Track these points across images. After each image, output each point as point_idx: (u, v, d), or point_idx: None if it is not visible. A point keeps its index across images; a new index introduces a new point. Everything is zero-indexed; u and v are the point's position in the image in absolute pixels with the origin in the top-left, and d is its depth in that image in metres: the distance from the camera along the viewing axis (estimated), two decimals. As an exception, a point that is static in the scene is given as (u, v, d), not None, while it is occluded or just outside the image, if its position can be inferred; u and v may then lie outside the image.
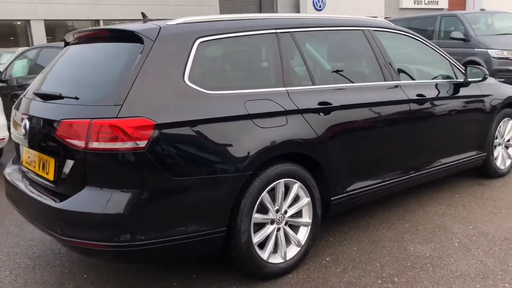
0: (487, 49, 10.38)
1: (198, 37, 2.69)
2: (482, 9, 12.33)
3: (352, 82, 3.36)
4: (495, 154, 4.61)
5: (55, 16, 17.24)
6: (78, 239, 2.42)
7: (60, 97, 2.64)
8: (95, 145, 2.35)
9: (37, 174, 2.83)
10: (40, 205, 2.60)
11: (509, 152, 4.82)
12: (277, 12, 22.84)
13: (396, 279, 2.84)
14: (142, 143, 2.34)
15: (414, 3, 27.47)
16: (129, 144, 2.33)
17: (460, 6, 36.00)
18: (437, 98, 3.83)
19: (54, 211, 2.48)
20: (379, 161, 3.45)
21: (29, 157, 2.93)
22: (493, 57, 10.19)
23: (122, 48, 2.71)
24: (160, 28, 2.63)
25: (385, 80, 3.53)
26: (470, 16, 11.47)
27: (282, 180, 2.82)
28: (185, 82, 2.55)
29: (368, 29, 3.60)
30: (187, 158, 2.48)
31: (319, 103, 3.01)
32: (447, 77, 4.12)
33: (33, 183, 2.87)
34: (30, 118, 2.77)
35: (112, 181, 2.39)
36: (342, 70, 3.42)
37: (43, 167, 2.73)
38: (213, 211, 2.57)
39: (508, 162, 4.80)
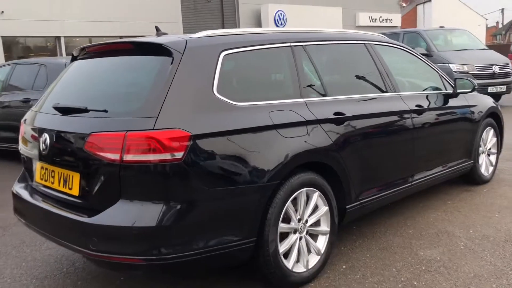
0: (448, 63, 10.91)
1: (223, 50, 2.73)
2: (441, 26, 12.95)
3: (360, 93, 3.48)
4: (480, 161, 4.84)
5: (13, 33, 16.73)
6: (112, 254, 2.37)
7: (85, 110, 2.60)
8: (130, 157, 2.33)
9: (55, 190, 2.75)
10: (67, 221, 2.54)
11: (491, 159, 5.07)
12: (239, 26, 23.14)
13: (415, 283, 2.93)
14: (179, 154, 2.34)
15: (370, 20, 28.44)
16: (166, 156, 2.32)
17: (411, 25, 37.73)
18: (433, 108, 4.01)
19: (86, 226, 2.42)
20: (386, 169, 3.57)
21: (45, 173, 2.85)
22: (455, 71, 10.71)
23: (149, 60, 2.70)
24: (187, 41, 2.65)
25: (387, 91, 3.67)
26: (431, 33, 12.04)
27: (304, 189, 2.87)
28: (214, 93, 2.58)
29: (369, 43, 3.74)
30: (221, 168, 2.49)
31: (335, 113, 3.10)
32: (437, 88, 4.32)
33: (49, 199, 2.79)
34: (51, 133, 2.70)
35: (148, 193, 2.37)
36: (350, 81, 3.54)
37: (65, 183, 2.67)
38: (244, 221, 2.58)
39: (490, 169, 5.05)
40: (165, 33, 3.11)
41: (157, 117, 2.35)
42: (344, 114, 3.15)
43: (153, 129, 2.33)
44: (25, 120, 3.12)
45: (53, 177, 2.78)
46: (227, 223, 2.54)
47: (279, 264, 2.76)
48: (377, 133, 3.44)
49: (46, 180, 2.85)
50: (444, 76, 4.43)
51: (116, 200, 2.40)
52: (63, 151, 2.66)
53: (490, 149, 5.03)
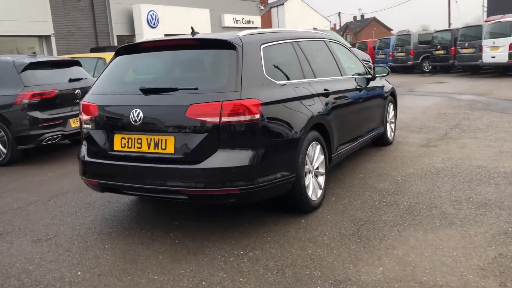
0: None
1: (261, 43, 3.83)
2: (314, 28, 15.07)
3: (330, 76, 4.83)
4: (387, 128, 6.57)
5: None
6: (214, 188, 3.36)
7: (175, 89, 3.50)
8: (226, 119, 3.34)
9: (143, 153, 3.58)
10: (170, 171, 3.42)
11: (392, 127, 6.86)
12: (111, 26, 23.30)
13: (385, 200, 4.37)
14: (257, 116, 3.41)
15: (234, 22, 30.43)
16: (249, 117, 3.38)
17: (267, 26, 40.85)
18: (366, 88, 5.56)
19: (194, 171, 3.35)
20: (349, 129, 4.98)
21: (127, 142, 3.65)
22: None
23: (217, 52, 3.68)
24: (240, 37, 3.69)
25: (341, 75, 5.09)
26: (307, 33, 14.00)
27: (314, 142, 4.11)
28: (265, 75, 3.68)
29: (326, 40, 5.12)
30: (278, 125, 3.62)
31: (324, 89, 4.40)
32: (361, 73, 5.87)
33: (137, 159, 3.60)
34: (144, 108, 3.53)
35: (238, 144, 3.39)
36: (323, 67, 4.86)
37: (156, 146, 3.53)
38: (291, 161, 3.75)
39: (392, 135, 6.84)
40: (198, 32, 4.08)
41: (241, 91, 3.39)
42: (329, 90, 4.47)
43: (240, 99, 3.36)
44: (94, 103, 3.82)
45: (139, 143, 3.60)
46: (283, 163, 3.67)
47: (305, 193, 3.97)
48: (344, 103, 4.83)
49: (129, 147, 3.64)
50: (365, 65, 6.02)
51: (214, 150, 3.38)
52: (158, 120, 3.52)
53: (391, 119, 6.80)
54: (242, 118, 3.37)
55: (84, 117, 3.91)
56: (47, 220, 4.39)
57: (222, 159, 3.37)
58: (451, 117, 8.84)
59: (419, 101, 11.66)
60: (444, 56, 21.38)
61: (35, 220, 4.40)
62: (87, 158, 3.87)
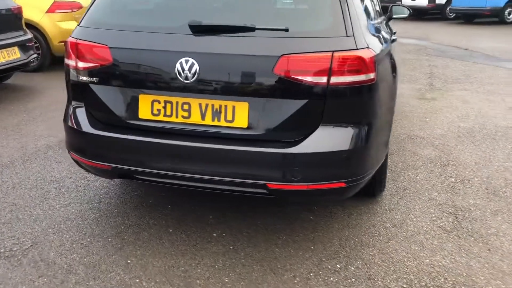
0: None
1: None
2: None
3: (380, 17, 3.79)
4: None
5: None
6: (317, 182, 2.27)
7: (251, 29, 2.23)
8: (337, 79, 2.21)
9: (193, 125, 2.34)
10: (247, 155, 2.25)
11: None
12: None
13: (450, 175, 3.61)
14: (373, 75, 2.31)
15: None
16: (365, 77, 2.28)
17: None
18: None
19: (284, 157, 2.22)
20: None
21: (164, 107, 2.36)
22: None
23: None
24: None
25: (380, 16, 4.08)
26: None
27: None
28: (363, 11, 2.56)
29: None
30: (386, 88, 2.57)
31: (393, 33, 3.39)
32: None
33: (183, 135, 2.36)
34: (203, 57, 2.23)
35: (347, 116, 2.29)
36: (374, 5, 3.80)
37: (216, 115, 2.30)
38: (388, 135, 2.77)
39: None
40: None
41: (354, 36, 2.26)
42: (395, 36, 3.46)
43: (356, 49, 2.24)
44: (103, 43, 2.40)
45: (186, 110, 2.33)
46: (385, 138, 2.69)
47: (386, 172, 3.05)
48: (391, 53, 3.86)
49: (168, 115, 2.36)
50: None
51: (315, 126, 2.25)
52: (224, 77, 2.26)
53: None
54: (357, 77, 2.26)
55: (81, 64, 2.47)
56: (4, 213, 2.95)
57: (328, 139, 2.26)
58: (416, 64, 8.35)
59: (367, 44, 11.11)
60: (361, -5, 21.09)
61: (-16, 215, 2.94)
62: (90, 129, 2.49)
